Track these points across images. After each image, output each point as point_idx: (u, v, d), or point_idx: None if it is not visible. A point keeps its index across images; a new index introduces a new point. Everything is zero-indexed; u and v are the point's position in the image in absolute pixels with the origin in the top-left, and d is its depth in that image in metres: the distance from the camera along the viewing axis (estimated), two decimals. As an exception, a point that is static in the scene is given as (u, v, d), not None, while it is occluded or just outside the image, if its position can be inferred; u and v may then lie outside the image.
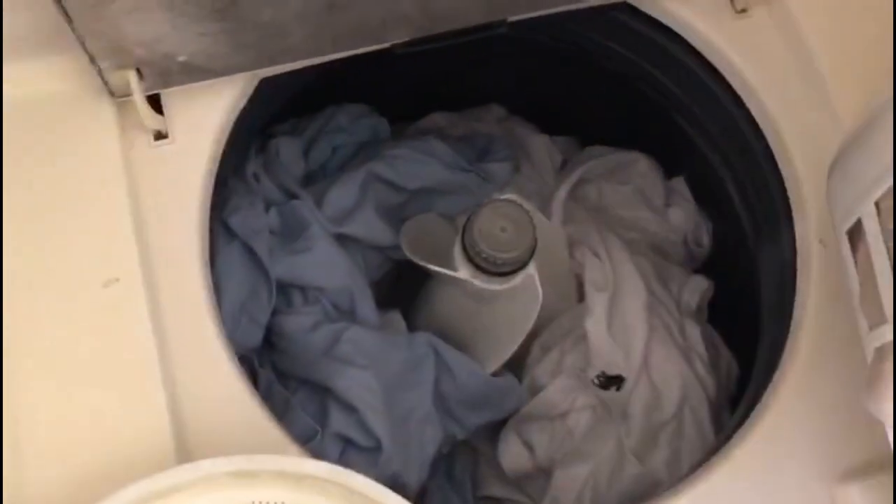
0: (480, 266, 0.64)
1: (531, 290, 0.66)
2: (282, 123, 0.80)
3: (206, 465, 0.48)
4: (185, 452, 0.52)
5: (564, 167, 0.87)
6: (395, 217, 0.77)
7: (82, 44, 0.50)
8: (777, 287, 0.63)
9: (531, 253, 0.63)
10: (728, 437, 0.58)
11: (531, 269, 0.65)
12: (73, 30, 0.49)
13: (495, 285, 0.65)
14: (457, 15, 0.59)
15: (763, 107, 0.61)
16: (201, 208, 0.58)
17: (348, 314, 0.72)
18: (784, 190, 0.60)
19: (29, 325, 0.52)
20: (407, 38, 0.59)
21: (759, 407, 0.58)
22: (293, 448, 0.55)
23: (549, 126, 0.88)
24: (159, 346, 0.53)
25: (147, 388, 0.52)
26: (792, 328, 0.59)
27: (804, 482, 0.54)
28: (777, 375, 0.58)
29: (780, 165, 0.61)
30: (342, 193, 0.74)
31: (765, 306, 0.67)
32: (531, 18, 0.63)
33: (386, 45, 0.60)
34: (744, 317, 0.73)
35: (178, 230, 0.57)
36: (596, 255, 0.78)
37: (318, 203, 0.73)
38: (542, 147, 0.87)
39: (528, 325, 0.67)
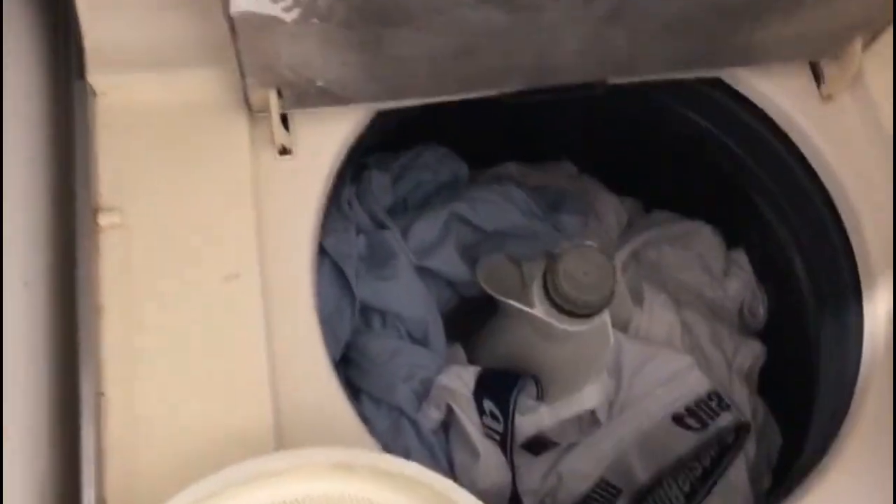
0: (558, 305, 0.68)
1: (603, 335, 0.70)
2: (369, 156, 0.85)
3: (308, 454, 0.52)
4: (281, 443, 0.56)
5: (629, 227, 0.91)
6: (469, 255, 0.82)
7: (238, 59, 0.56)
8: (839, 358, 0.66)
9: (609, 299, 0.68)
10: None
11: (605, 314, 0.69)
12: (235, 46, 0.54)
13: (571, 326, 0.69)
14: (566, 70, 0.64)
15: (840, 184, 0.65)
16: (314, 220, 0.63)
17: (421, 342, 0.76)
18: (855, 266, 0.65)
19: (155, 309, 0.57)
20: (518, 89, 0.64)
21: (814, 474, 0.61)
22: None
23: (617, 184, 0.93)
24: (268, 338, 0.57)
25: (254, 379, 0.56)
26: (854, 399, 0.62)
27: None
28: (835, 446, 0.61)
29: (853, 242, 0.65)
30: (426, 228, 0.79)
31: (822, 378, 0.70)
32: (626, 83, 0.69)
33: (497, 92, 0.65)
34: (792, 386, 0.76)
35: (292, 237, 0.61)
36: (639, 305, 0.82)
37: (403, 235, 0.78)
38: (610, 206, 0.92)
39: (595, 368, 0.71)
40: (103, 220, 0.57)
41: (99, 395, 0.54)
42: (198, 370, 0.56)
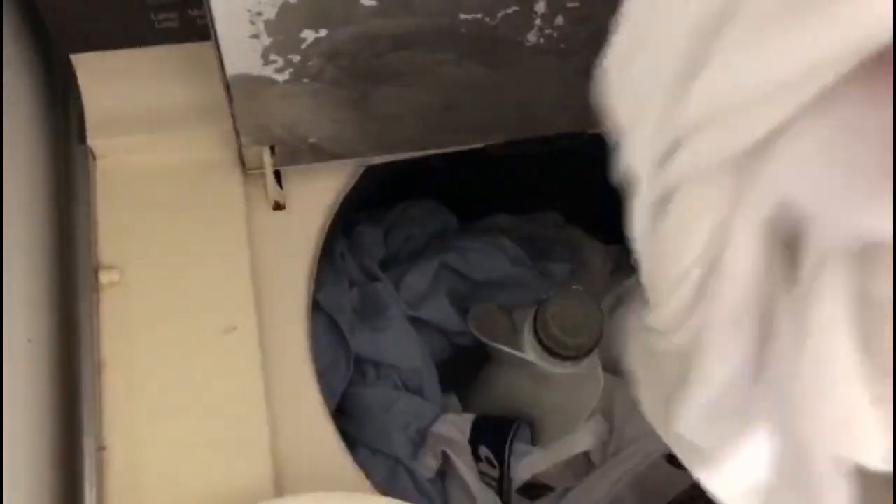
0: (548, 348, 0.70)
1: (594, 377, 0.71)
2: (361, 210, 0.87)
3: (307, 500, 0.53)
4: (281, 494, 0.57)
5: (616, 272, 0.93)
6: (460, 305, 0.84)
7: (233, 120, 0.58)
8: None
9: (597, 341, 0.69)
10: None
11: (595, 356, 0.71)
12: (231, 107, 0.57)
13: (562, 368, 0.71)
14: (549, 121, 0.67)
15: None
16: (308, 273, 0.65)
17: (416, 391, 0.78)
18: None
19: (155, 363, 0.58)
20: (503, 140, 0.67)
21: None
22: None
23: (603, 233, 0.95)
24: (266, 390, 0.58)
25: (253, 431, 0.57)
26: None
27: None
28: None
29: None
30: (418, 279, 0.81)
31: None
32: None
33: (483, 144, 0.67)
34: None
35: (287, 289, 0.63)
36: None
37: (395, 286, 0.80)
38: (597, 253, 0.94)
39: (589, 409, 0.72)
40: (104, 277, 0.59)
41: (100, 449, 0.55)
42: (198, 423, 0.57)
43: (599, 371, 0.71)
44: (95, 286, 0.59)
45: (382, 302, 0.77)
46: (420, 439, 0.76)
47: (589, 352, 0.70)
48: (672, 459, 0.79)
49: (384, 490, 0.68)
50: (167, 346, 0.58)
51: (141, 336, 0.58)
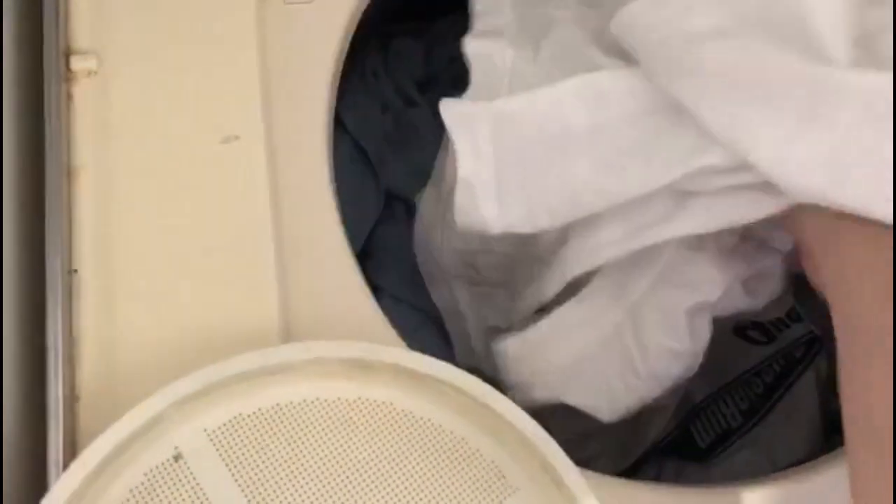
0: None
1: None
2: (401, 24, 0.74)
3: (319, 347, 0.43)
4: (289, 338, 0.47)
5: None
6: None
7: None
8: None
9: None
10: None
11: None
12: None
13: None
14: None
15: None
16: (330, 79, 0.53)
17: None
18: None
19: (137, 173, 0.47)
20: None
21: None
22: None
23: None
24: (273, 215, 0.48)
25: (256, 262, 0.47)
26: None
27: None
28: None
29: None
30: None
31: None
32: None
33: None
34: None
35: (304, 98, 0.51)
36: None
37: (434, 114, 0.68)
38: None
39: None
40: (76, 64, 0.47)
41: (71, 272, 0.46)
42: (189, 246, 0.46)
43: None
44: (66, 74, 0.47)
45: (419, 130, 0.66)
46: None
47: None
48: (740, 332, 0.69)
49: (410, 344, 0.59)
50: (152, 154, 0.47)
51: (121, 139, 0.47)
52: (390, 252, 0.65)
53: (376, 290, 0.65)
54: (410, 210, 0.66)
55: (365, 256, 0.66)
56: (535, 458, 0.42)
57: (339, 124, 0.64)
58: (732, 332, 0.68)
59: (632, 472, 0.63)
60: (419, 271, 0.62)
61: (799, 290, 0.65)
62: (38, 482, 0.42)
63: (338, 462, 0.43)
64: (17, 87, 0.48)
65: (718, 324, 0.66)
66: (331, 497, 0.42)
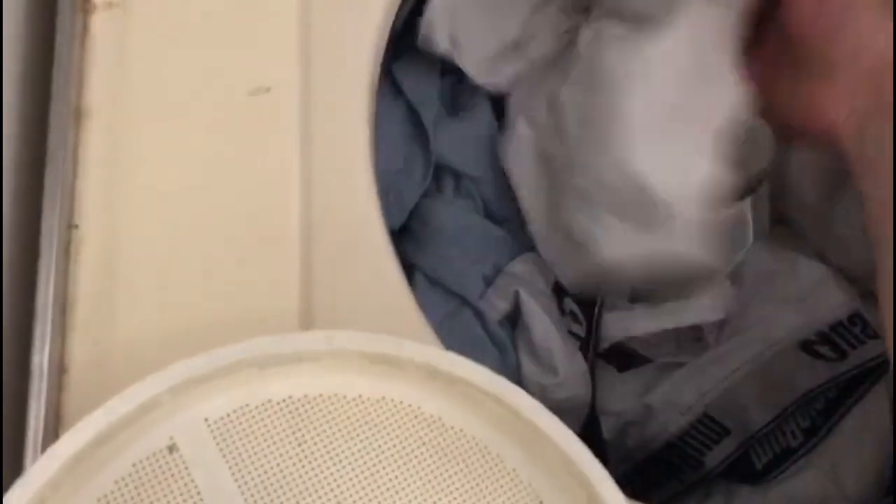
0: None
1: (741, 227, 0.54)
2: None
3: (341, 338, 0.38)
4: (309, 325, 0.41)
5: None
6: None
7: None
8: None
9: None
10: None
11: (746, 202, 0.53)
12: None
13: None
14: None
15: None
16: (379, 35, 0.47)
17: (500, 223, 0.62)
18: None
19: (153, 120, 0.42)
20: None
21: None
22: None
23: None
24: (301, 182, 0.42)
25: (278, 235, 0.42)
26: None
27: None
28: None
29: None
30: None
31: None
32: None
33: None
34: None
35: (347, 52, 0.46)
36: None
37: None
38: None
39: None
40: (94, -8, 0.42)
41: (71, 227, 0.40)
42: (203, 208, 0.41)
43: (749, 221, 0.54)
44: (82, 4, 0.42)
45: (476, 99, 0.61)
46: (494, 278, 0.60)
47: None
48: (808, 347, 0.63)
49: (441, 337, 0.53)
50: (171, 101, 0.42)
51: (138, 82, 0.42)
52: (432, 229, 0.59)
53: (411, 269, 0.59)
54: (459, 185, 0.61)
55: (403, 231, 0.60)
56: (582, 487, 0.36)
57: (394, 83, 0.59)
58: (800, 348, 0.62)
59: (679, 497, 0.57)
60: (462, 255, 0.57)
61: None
62: (17, 462, 0.38)
63: (352, 468, 0.38)
64: (27, 14, 0.43)
65: (787, 339, 0.61)
66: (340, 509, 0.37)
